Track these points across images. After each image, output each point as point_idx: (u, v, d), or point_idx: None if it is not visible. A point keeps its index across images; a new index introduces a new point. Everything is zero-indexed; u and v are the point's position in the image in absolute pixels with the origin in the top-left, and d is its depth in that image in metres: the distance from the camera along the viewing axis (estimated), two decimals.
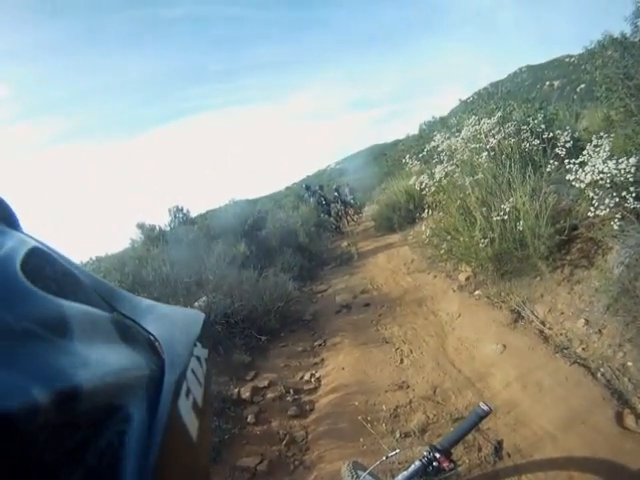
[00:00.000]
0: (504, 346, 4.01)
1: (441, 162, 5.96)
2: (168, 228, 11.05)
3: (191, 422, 0.41)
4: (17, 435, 0.25)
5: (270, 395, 4.82)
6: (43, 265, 0.39)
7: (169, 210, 11.28)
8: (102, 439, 0.32)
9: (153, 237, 10.43)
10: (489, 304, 4.79)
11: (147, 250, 9.62)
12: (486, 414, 1.12)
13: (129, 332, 0.43)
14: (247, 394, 4.84)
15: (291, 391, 4.84)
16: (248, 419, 4.43)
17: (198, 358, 0.47)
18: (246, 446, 4.05)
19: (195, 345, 0.49)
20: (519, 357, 3.80)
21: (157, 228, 10.79)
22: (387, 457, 1.34)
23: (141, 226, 10.76)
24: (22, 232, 0.44)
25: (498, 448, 2.76)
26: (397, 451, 1.28)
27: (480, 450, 3.01)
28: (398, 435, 3.53)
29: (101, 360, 0.34)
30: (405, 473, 1.27)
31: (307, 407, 4.56)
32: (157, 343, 0.45)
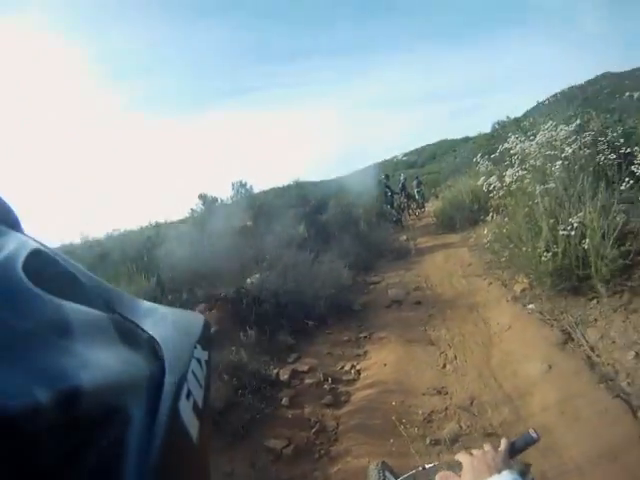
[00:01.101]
0: (549, 366, 3.89)
1: (512, 166, 5.79)
2: (230, 201, 11.13)
3: (192, 423, 0.41)
4: (18, 435, 0.25)
5: (308, 381, 4.87)
6: (45, 266, 0.39)
7: (232, 184, 11.38)
8: (102, 440, 0.31)
9: (214, 209, 10.52)
10: (541, 320, 4.64)
11: (206, 222, 9.77)
12: (533, 442, 1.11)
13: (129, 334, 0.42)
14: (286, 376, 4.92)
15: (329, 379, 4.86)
16: (282, 401, 4.50)
17: (199, 360, 0.47)
18: (276, 428, 4.12)
19: (195, 347, 0.48)
20: (562, 380, 3.68)
21: (219, 200, 10.90)
22: (423, 468, 1.32)
23: (203, 197, 10.91)
24: (23, 233, 0.44)
25: (525, 472, 2.68)
26: (435, 464, 1.25)
27: None
28: (428, 442, 3.51)
29: (101, 361, 0.34)
30: None
31: (342, 398, 4.58)
32: (157, 345, 0.44)
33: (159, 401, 0.37)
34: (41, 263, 0.39)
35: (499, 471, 0.92)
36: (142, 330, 0.45)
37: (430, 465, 1.21)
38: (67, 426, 0.28)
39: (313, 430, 4.06)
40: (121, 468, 0.31)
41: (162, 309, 0.52)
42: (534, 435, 1.10)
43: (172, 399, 0.39)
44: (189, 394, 0.42)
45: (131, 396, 0.35)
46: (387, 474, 2.13)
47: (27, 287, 0.33)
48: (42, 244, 0.42)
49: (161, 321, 0.49)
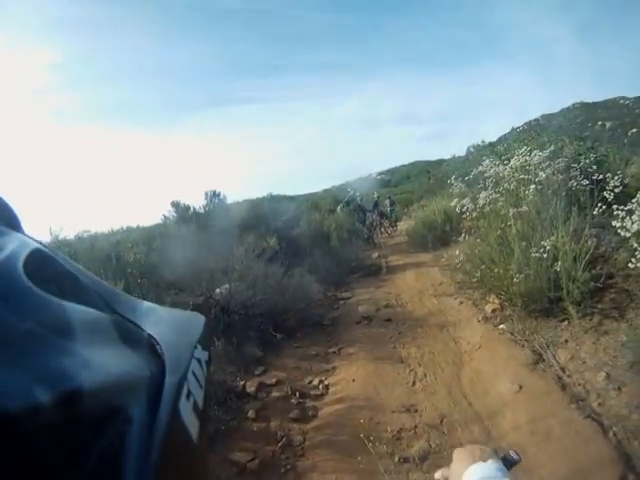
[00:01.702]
0: (520, 386, 3.90)
1: (486, 188, 5.84)
2: (202, 210, 10.94)
3: (192, 423, 0.40)
4: (19, 435, 0.25)
5: (275, 394, 4.80)
6: (45, 267, 0.39)
7: (205, 193, 11.10)
8: (103, 439, 0.31)
9: (186, 217, 10.36)
10: (512, 340, 4.67)
11: (178, 229, 9.62)
12: (514, 463, 1.07)
13: (130, 334, 0.42)
14: (252, 389, 4.83)
15: (297, 394, 4.80)
16: (248, 414, 4.41)
17: (199, 360, 0.47)
18: (241, 441, 4.02)
19: (195, 347, 0.48)
20: (533, 401, 3.69)
21: (191, 209, 10.69)
22: None
23: (176, 204, 10.67)
24: (23, 233, 0.44)
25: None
26: None
27: None
28: (397, 459, 3.47)
29: (102, 361, 0.34)
30: None
31: (310, 413, 4.50)
32: (157, 345, 0.44)
33: (159, 401, 0.37)
34: (41, 263, 0.39)
35: (484, 460, 0.93)
36: (142, 330, 0.46)
37: None
38: (68, 426, 0.29)
39: (279, 444, 3.97)
40: (121, 468, 0.32)
41: (162, 309, 0.53)
42: (515, 457, 1.07)
43: (172, 399, 0.39)
44: (189, 394, 0.42)
45: (131, 396, 0.35)
46: None
47: (28, 287, 0.33)
48: (42, 244, 0.42)
49: (161, 321, 0.49)
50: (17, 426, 0.25)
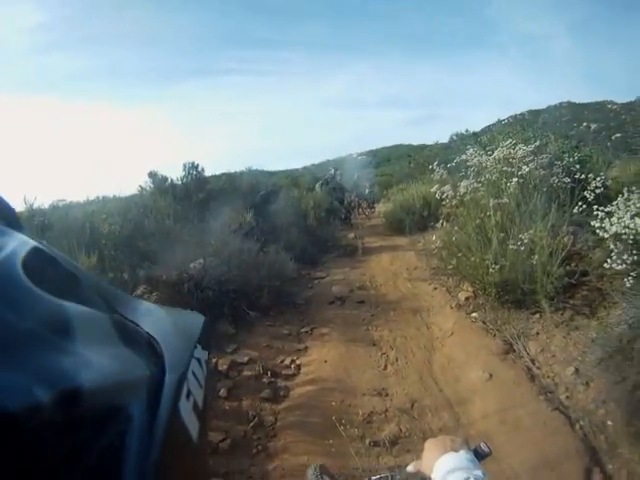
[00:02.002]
0: (490, 375, 3.96)
1: (468, 177, 5.86)
2: (180, 182, 10.78)
3: (192, 423, 0.41)
4: (19, 434, 0.26)
5: (247, 373, 4.77)
6: (44, 266, 0.40)
7: (184, 165, 10.91)
8: (103, 439, 0.32)
9: (163, 189, 10.17)
10: (484, 329, 4.73)
11: (154, 201, 9.49)
12: (485, 456, 1.07)
13: (129, 334, 0.42)
14: (224, 367, 4.79)
15: (269, 373, 4.78)
16: (220, 392, 4.37)
17: (198, 360, 0.47)
18: (213, 420, 4.00)
19: (195, 347, 0.48)
20: (503, 390, 3.75)
21: (169, 180, 10.49)
22: (369, 479, 1.29)
23: (153, 175, 10.43)
24: (23, 232, 0.44)
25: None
26: (380, 476, 1.22)
27: None
28: (368, 443, 3.49)
29: (102, 361, 0.34)
30: None
31: (281, 393, 4.50)
32: (157, 345, 0.45)
33: (159, 401, 0.38)
34: (41, 263, 0.39)
35: (456, 450, 0.95)
36: (142, 330, 0.46)
37: (376, 477, 1.18)
38: (68, 425, 0.29)
39: (251, 424, 3.96)
40: (122, 467, 0.32)
41: (162, 309, 0.54)
42: (486, 449, 1.07)
43: (172, 399, 0.39)
44: (189, 394, 0.42)
45: (131, 396, 0.36)
46: (325, 478, 2.11)
47: (27, 287, 0.34)
48: (42, 243, 0.43)
49: (161, 321, 0.50)
50: (17, 425, 0.25)
